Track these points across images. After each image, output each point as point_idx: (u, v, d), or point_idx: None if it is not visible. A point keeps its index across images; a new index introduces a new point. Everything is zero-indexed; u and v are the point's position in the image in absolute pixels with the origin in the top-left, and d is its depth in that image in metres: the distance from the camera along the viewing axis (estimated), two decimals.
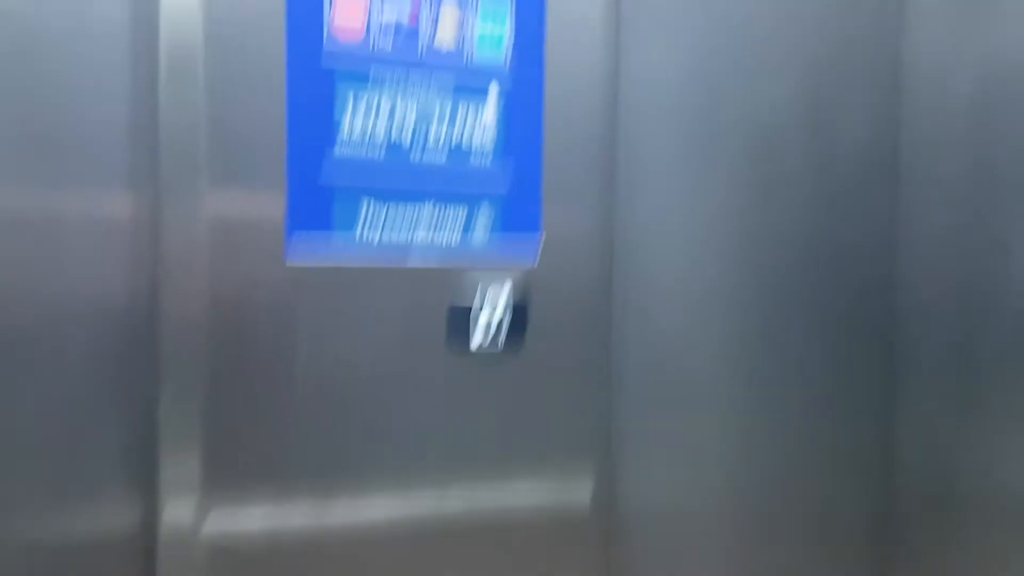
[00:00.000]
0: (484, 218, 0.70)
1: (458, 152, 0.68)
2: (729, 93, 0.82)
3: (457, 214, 0.69)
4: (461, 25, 0.67)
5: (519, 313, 0.72)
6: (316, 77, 0.62)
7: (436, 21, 0.66)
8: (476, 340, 0.70)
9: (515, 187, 0.71)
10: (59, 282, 0.58)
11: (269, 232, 0.62)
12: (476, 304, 0.70)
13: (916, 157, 0.89)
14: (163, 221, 0.59)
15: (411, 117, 0.66)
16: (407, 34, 0.65)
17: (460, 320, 0.69)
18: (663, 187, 0.81)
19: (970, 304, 0.85)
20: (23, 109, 0.57)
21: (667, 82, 0.79)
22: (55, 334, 0.58)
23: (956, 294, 0.86)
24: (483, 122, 0.69)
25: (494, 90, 0.69)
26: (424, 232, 0.68)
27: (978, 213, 0.84)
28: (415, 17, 0.65)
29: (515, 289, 0.72)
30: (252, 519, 0.63)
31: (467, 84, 0.68)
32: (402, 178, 0.66)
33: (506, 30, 0.69)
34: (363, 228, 0.65)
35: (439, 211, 0.68)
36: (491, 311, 0.70)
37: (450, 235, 0.69)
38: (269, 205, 0.62)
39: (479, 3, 0.68)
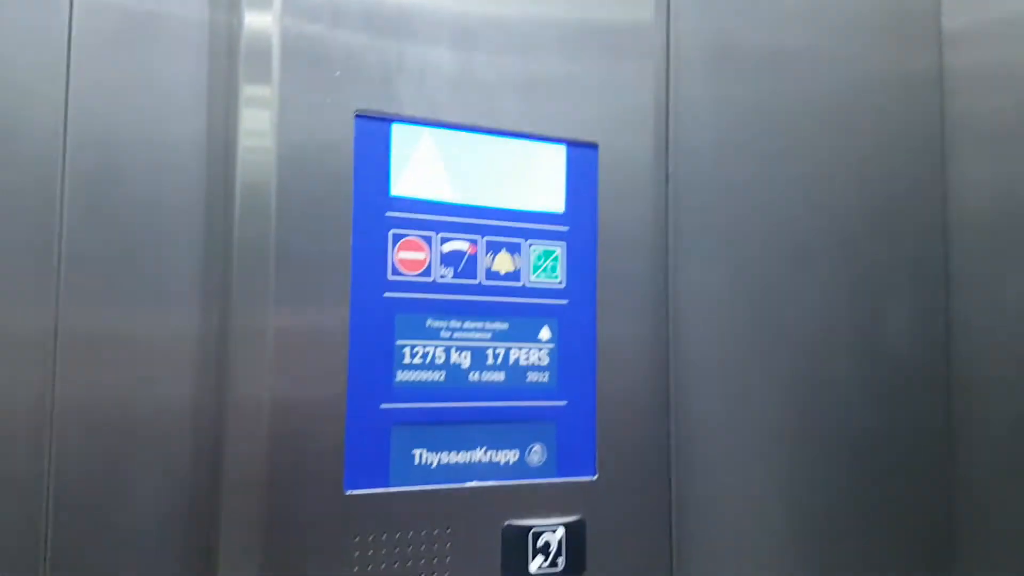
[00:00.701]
0: (542, 435, 0.70)
1: (516, 371, 0.69)
2: (778, 298, 0.85)
3: (516, 432, 0.69)
4: (516, 256, 0.70)
5: (579, 530, 0.70)
6: (379, 307, 0.64)
7: (494, 254, 0.69)
8: (535, 563, 0.68)
9: (571, 403, 0.71)
10: (133, 393, 0.59)
11: (328, 456, 0.62)
12: (536, 522, 0.68)
13: (967, 358, 0.89)
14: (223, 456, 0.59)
15: (471, 337, 0.68)
16: (467, 261, 0.68)
17: (518, 541, 0.68)
18: (713, 395, 0.81)
19: None
20: (108, 231, 0.60)
21: (716, 294, 0.81)
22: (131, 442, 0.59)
23: (1018, 489, 0.84)
24: (540, 340, 0.71)
25: (550, 311, 0.71)
26: (482, 452, 0.67)
27: None
28: (475, 246, 0.68)
29: (575, 503, 0.71)
30: None
31: (525, 304, 0.70)
32: (462, 399, 0.67)
33: (560, 254, 0.72)
34: (423, 450, 0.65)
35: (498, 430, 0.68)
36: (551, 530, 0.69)
37: (509, 454, 0.69)
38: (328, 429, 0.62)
39: (532, 243, 0.71)
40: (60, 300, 0.58)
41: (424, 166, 0.67)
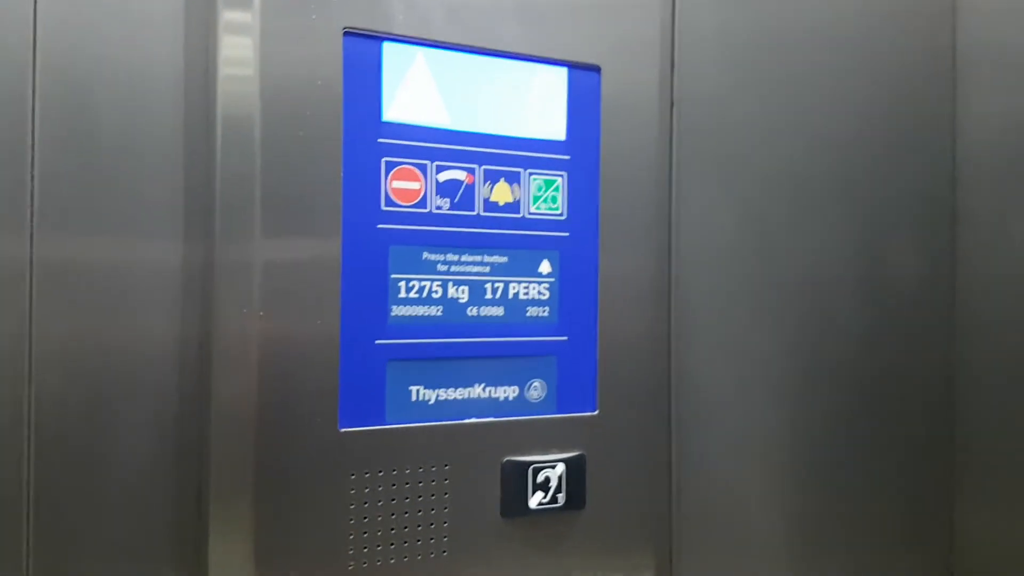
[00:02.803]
0: (542, 371, 0.68)
1: (515, 305, 0.67)
2: (782, 235, 0.82)
3: (515, 368, 0.67)
4: (515, 187, 0.67)
5: (579, 466, 0.69)
6: (372, 239, 0.61)
7: (492, 184, 0.66)
8: (535, 499, 0.67)
9: (572, 338, 0.69)
10: (114, 329, 0.57)
11: (321, 393, 0.60)
12: (535, 458, 0.67)
13: (972, 294, 0.88)
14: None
15: (469, 271, 0.65)
16: (465, 191, 0.65)
17: (517, 477, 0.66)
18: (715, 329, 0.79)
19: None
20: (81, 159, 0.56)
21: (719, 229, 0.79)
22: (114, 382, 0.56)
23: (1018, 421, 0.84)
24: (540, 273, 0.68)
25: (550, 243, 0.68)
26: (481, 388, 0.66)
27: None
28: (472, 175, 0.65)
29: (575, 439, 0.69)
30: None
31: (524, 236, 0.67)
32: (460, 334, 0.65)
33: (561, 184, 0.69)
34: (419, 387, 0.63)
35: (497, 365, 0.66)
36: (551, 466, 0.68)
37: (508, 390, 0.67)
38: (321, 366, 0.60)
39: (532, 172, 0.68)
40: (34, 232, 0.55)
41: (418, 90, 0.63)
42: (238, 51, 0.57)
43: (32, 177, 0.54)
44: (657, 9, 0.73)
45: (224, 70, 0.57)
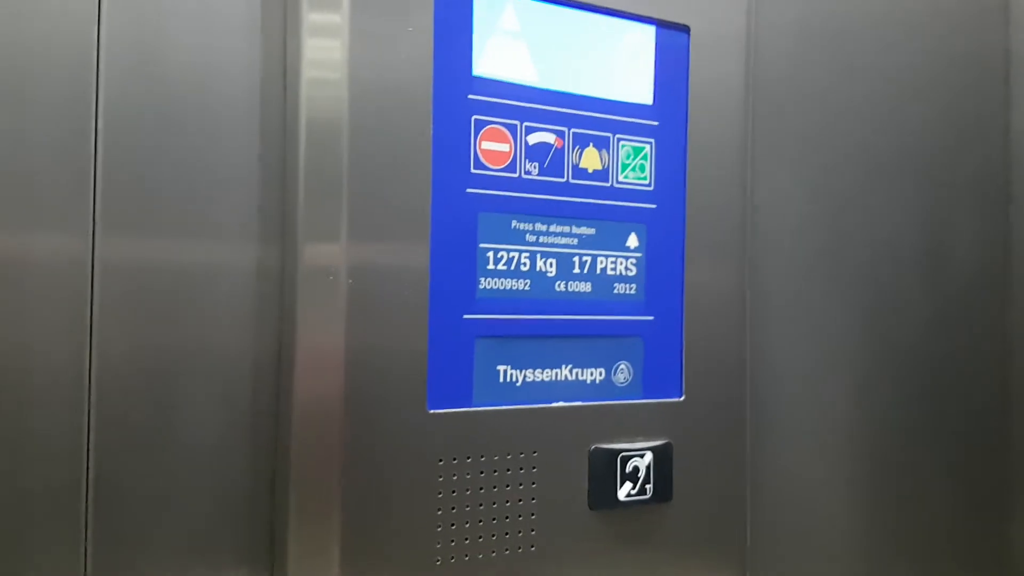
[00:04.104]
0: (629, 352, 0.63)
1: (603, 281, 0.62)
2: (852, 215, 0.79)
3: (602, 348, 0.62)
4: (603, 152, 0.62)
5: (666, 455, 0.64)
6: (461, 205, 0.56)
7: (581, 149, 0.61)
8: (624, 490, 0.62)
9: (659, 318, 0.65)
10: (188, 331, 0.51)
11: (409, 373, 0.55)
12: (623, 446, 0.62)
13: None
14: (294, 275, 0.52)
15: (557, 243, 0.60)
16: (554, 155, 0.60)
17: (606, 466, 0.62)
18: (788, 312, 0.76)
19: None
20: (162, 161, 0.51)
21: (793, 205, 0.75)
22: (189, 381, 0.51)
23: None
24: (628, 248, 0.63)
25: (638, 215, 0.63)
26: (568, 370, 0.61)
27: None
28: (561, 139, 0.60)
29: (661, 426, 0.65)
30: None
31: (613, 206, 0.62)
32: (547, 310, 0.60)
33: (649, 152, 0.64)
34: (507, 367, 0.58)
35: (584, 345, 0.61)
36: (639, 455, 0.63)
37: (595, 372, 0.62)
38: (408, 344, 0.55)
39: (621, 138, 0.63)
40: (97, 230, 0.49)
41: (508, 43, 0.58)
42: (325, 51, 0.52)
43: (95, 179, 0.49)
44: None
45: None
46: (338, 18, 0.52)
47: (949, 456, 0.84)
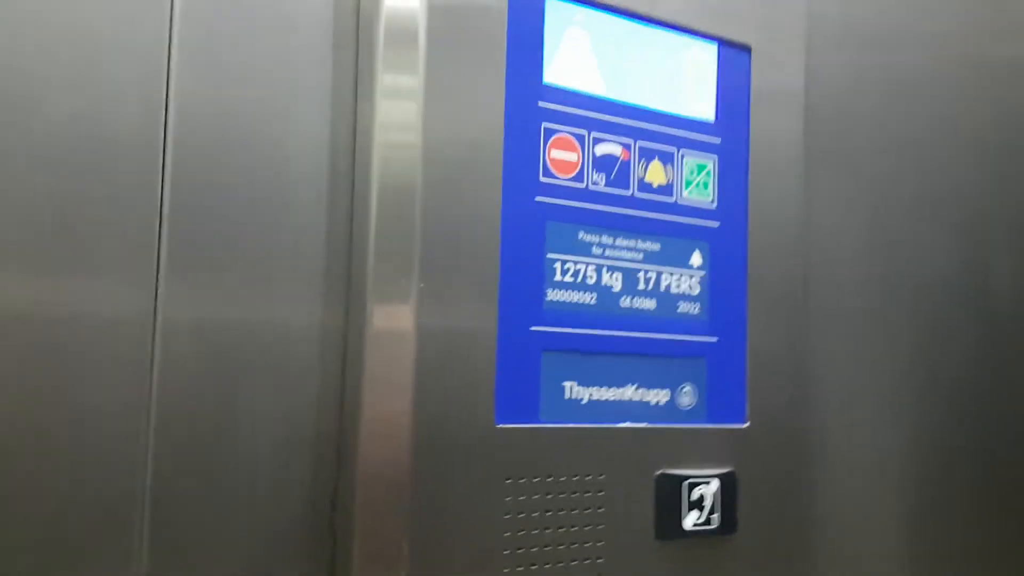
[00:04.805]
0: (693, 374, 0.61)
1: (667, 299, 0.60)
2: (900, 242, 0.79)
3: (667, 369, 0.60)
4: (668, 167, 0.61)
5: (732, 484, 0.61)
6: (530, 212, 0.54)
7: (647, 162, 0.60)
8: (690, 519, 0.59)
9: (722, 339, 0.62)
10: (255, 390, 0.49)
11: (478, 386, 0.52)
12: (689, 472, 0.59)
13: None
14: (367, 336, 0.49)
15: (623, 256, 0.58)
16: (620, 167, 0.58)
17: (672, 493, 0.58)
18: (843, 337, 0.74)
19: None
20: (227, 220, 0.49)
21: (847, 227, 0.74)
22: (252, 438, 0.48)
23: None
24: (691, 265, 0.61)
25: (701, 233, 0.62)
26: (633, 389, 0.58)
27: None
28: (628, 151, 0.59)
29: (726, 453, 0.62)
30: None
31: (677, 223, 0.61)
32: (612, 326, 0.58)
33: (712, 169, 0.63)
34: (573, 383, 0.56)
35: (649, 365, 0.59)
36: (705, 482, 0.60)
37: (660, 394, 0.59)
38: (478, 355, 0.52)
39: (684, 153, 0.62)
40: (160, 294, 0.47)
41: (577, 53, 0.57)
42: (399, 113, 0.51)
43: (160, 236, 0.47)
44: (797, 22, 0.69)
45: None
46: (414, 80, 0.51)
47: (994, 484, 0.82)
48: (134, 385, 0.46)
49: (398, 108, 0.51)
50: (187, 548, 0.46)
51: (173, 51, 0.48)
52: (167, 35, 0.49)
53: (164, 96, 0.48)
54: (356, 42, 0.53)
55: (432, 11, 0.51)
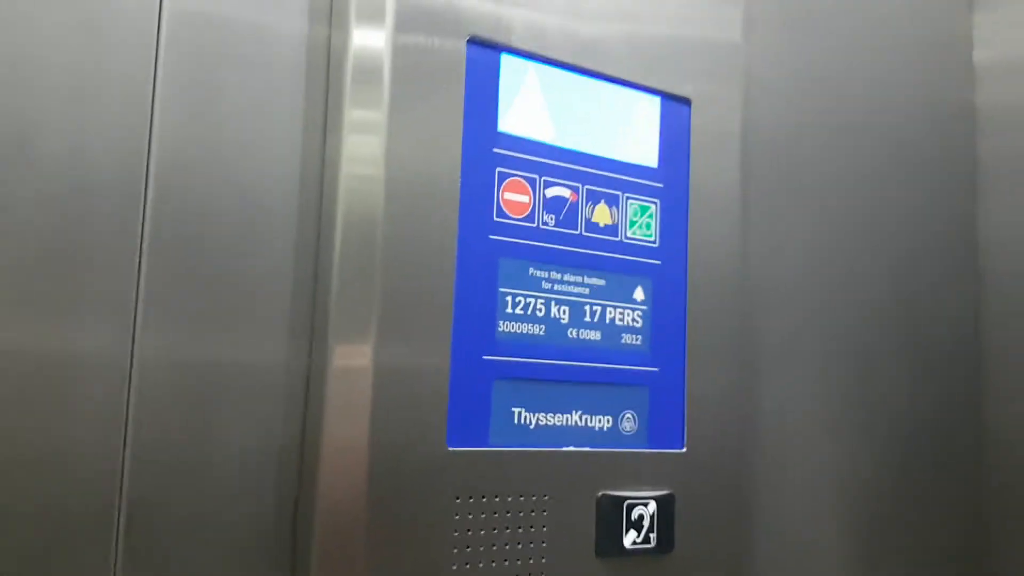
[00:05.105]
0: (635, 402, 0.65)
1: (611, 330, 0.65)
2: (840, 274, 0.85)
3: (610, 396, 0.64)
4: (613, 209, 0.66)
5: (669, 505, 0.65)
6: (484, 249, 0.59)
7: (594, 204, 0.65)
8: (629, 538, 0.63)
9: (663, 369, 0.67)
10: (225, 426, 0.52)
11: (431, 411, 0.56)
12: (629, 494, 0.64)
13: (996, 332, 0.92)
14: (323, 403, 0.53)
15: (571, 291, 0.63)
16: (569, 209, 0.63)
17: (612, 513, 0.63)
18: (787, 363, 0.79)
19: None
20: (199, 259, 0.52)
21: (791, 266, 0.80)
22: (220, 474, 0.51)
23: None
24: (635, 300, 0.66)
25: (644, 270, 0.67)
26: (578, 415, 0.62)
27: None
28: (576, 193, 0.64)
29: (665, 476, 0.66)
30: None
31: (621, 260, 0.66)
32: (560, 356, 0.62)
33: (655, 211, 0.68)
34: (522, 409, 0.60)
35: (593, 392, 0.63)
36: (643, 503, 0.64)
37: (603, 420, 0.64)
38: (432, 382, 0.56)
39: (629, 197, 0.67)
40: (137, 330, 0.51)
41: (530, 104, 0.62)
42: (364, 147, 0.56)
43: (139, 278, 0.50)
44: (741, 50, 0.75)
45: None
46: (379, 115, 0.55)
47: (929, 501, 0.88)
48: (110, 419, 0.49)
49: (363, 142, 0.55)
50: (159, 568, 0.49)
51: (157, 96, 0.52)
52: (152, 75, 0.52)
53: (147, 139, 0.52)
54: (327, 79, 0.57)
55: (396, 52, 0.56)
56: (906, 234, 0.91)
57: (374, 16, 0.56)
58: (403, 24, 0.56)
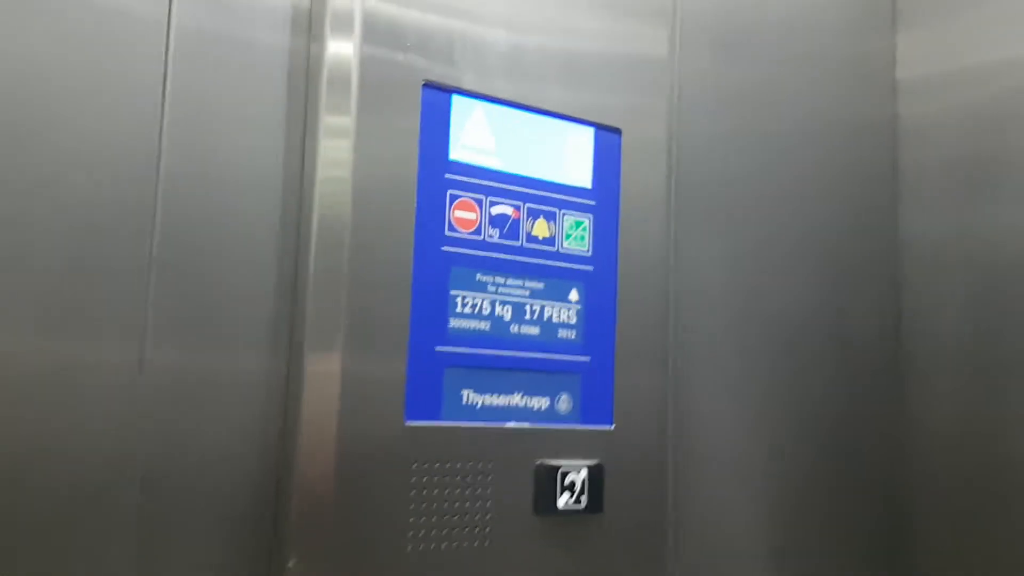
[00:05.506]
0: (569, 386, 0.77)
1: (549, 326, 0.77)
2: (764, 278, 0.95)
3: (547, 381, 0.76)
4: (551, 224, 0.78)
5: (599, 473, 0.77)
6: (437, 259, 0.71)
7: (534, 220, 0.77)
8: (563, 499, 0.75)
9: (594, 359, 0.79)
10: (202, 437, 0.63)
11: (391, 391, 0.68)
12: (562, 462, 0.76)
13: (917, 344, 1.01)
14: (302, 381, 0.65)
15: (513, 293, 0.75)
16: (512, 224, 0.75)
17: (548, 478, 0.75)
18: (709, 363, 0.91)
19: (977, 478, 0.94)
20: (183, 275, 0.64)
21: (718, 271, 0.92)
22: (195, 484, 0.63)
23: (963, 466, 0.96)
24: (570, 300, 0.78)
25: (578, 275, 0.79)
26: (519, 397, 0.74)
27: (978, 393, 0.95)
28: (518, 211, 0.76)
29: (595, 449, 0.78)
30: None
31: (560, 266, 0.78)
32: (504, 347, 0.74)
33: (588, 225, 0.80)
34: (469, 391, 0.72)
35: (532, 378, 0.75)
36: (576, 471, 0.76)
37: (541, 400, 0.76)
38: (392, 367, 0.68)
39: (565, 213, 0.79)
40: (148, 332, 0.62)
41: (476, 136, 0.74)
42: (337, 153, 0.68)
43: (148, 295, 0.62)
44: (668, 68, 0.87)
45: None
46: (348, 120, 0.67)
47: (841, 482, 0.98)
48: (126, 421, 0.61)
49: (335, 145, 0.67)
50: (170, 547, 0.61)
51: (165, 121, 0.64)
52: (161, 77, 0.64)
53: (157, 163, 0.63)
54: (307, 87, 0.69)
55: (364, 61, 0.68)
56: (828, 240, 1.01)
57: (345, 29, 0.68)
58: (370, 37, 0.68)
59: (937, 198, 1.05)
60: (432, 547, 0.68)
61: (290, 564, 0.62)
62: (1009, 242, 0.94)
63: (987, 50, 0.98)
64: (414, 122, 0.70)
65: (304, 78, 0.69)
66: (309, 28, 0.69)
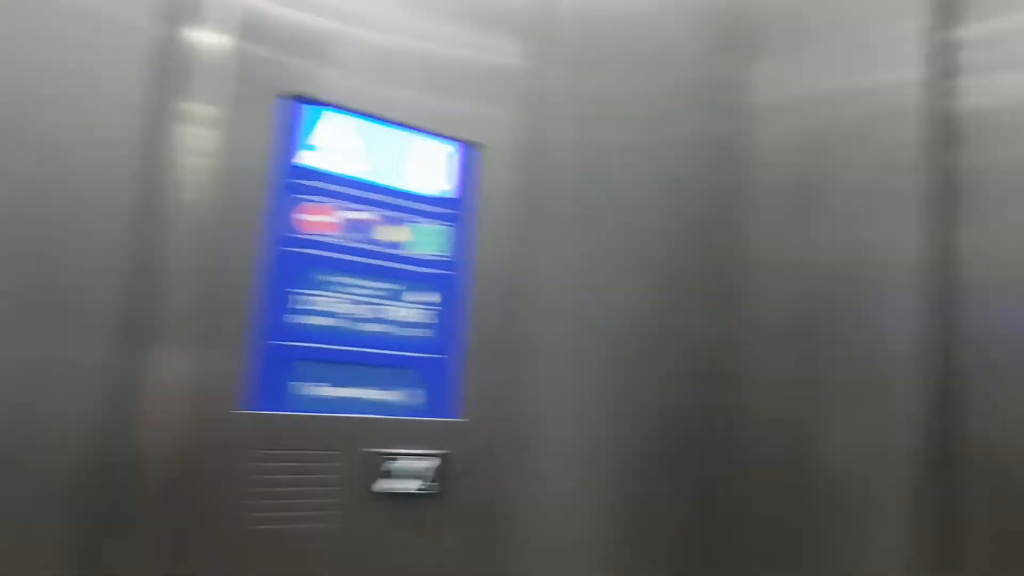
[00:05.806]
0: (420, 381, 0.84)
1: (403, 326, 0.83)
2: (608, 283, 1.01)
3: (399, 376, 0.82)
4: (405, 229, 0.84)
5: (447, 461, 0.84)
6: (286, 259, 0.76)
7: (389, 226, 0.83)
8: (415, 485, 0.82)
9: (446, 357, 0.86)
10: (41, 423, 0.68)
11: (229, 381, 0.73)
12: (410, 451, 0.82)
13: (752, 347, 1.10)
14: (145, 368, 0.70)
15: (365, 294, 0.81)
16: (364, 229, 0.81)
17: (395, 465, 0.81)
18: (552, 361, 0.97)
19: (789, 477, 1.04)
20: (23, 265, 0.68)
21: (569, 276, 0.98)
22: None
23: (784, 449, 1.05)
24: (424, 302, 0.84)
25: (435, 279, 0.85)
26: (367, 390, 0.81)
27: (803, 389, 1.04)
28: (372, 216, 0.81)
29: (443, 439, 0.85)
30: None
31: (412, 269, 0.84)
32: (358, 344, 0.80)
33: (447, 232, 0.86)
34: (317, 383, 0.78)
35: (381, 372, 0.82)
36: (425, 459, 0.83)
37: (392, 394, 0.82)
38: (232, 358, 0.74)
39: (420, 220, 0.85)
40: None
41: (334, 143, 0.79)
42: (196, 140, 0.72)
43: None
44: (528, 97, 0.93)
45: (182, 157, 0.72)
46: (213, 110, 0.72)
47: (675, 475, 1.05)
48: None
49: (196, 133, 0.72)
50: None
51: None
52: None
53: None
54: (173, 74, 0.73)
55: (237, 56, 0.72)
56: (664, 251, 1.06)
57: (222, 21, 0.72)
58: (246, 34, 0.73)
59: (775, 216, 1.12)
60: (274, 528, 0.74)
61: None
62: (829, 255, 1.03)
63: (823, 80, 1.06)
64: (273, 122, 0.76)
65: (170, 64, 0.74)
66: (182, 16, 0.74)
